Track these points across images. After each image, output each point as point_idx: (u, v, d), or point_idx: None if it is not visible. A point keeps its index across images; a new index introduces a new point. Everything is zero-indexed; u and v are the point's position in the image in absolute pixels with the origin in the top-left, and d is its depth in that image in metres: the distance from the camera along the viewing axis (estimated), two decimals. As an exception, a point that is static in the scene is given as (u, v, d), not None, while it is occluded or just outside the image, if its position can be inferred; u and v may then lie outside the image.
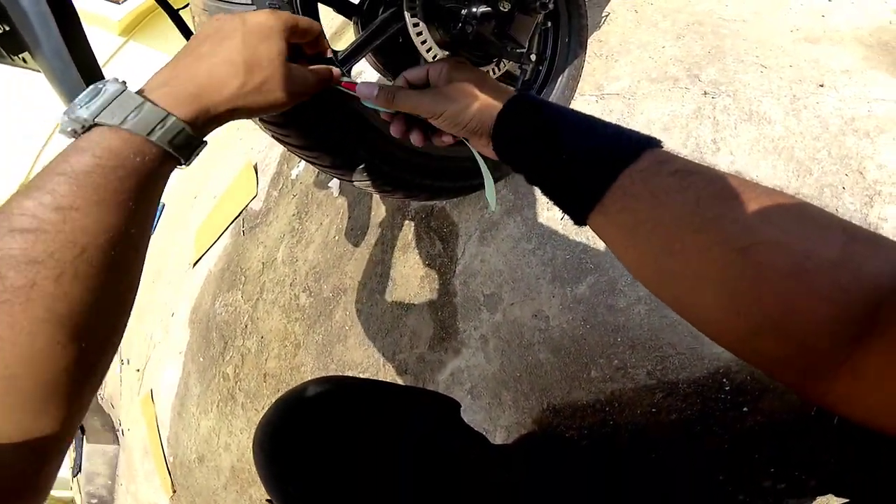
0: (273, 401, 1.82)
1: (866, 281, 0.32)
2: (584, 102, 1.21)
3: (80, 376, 0.36)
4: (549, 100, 1.06)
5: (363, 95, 0.57)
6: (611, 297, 0.97)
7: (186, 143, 0.42)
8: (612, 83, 1.21)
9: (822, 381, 0.34)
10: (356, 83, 0.58)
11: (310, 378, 1.58)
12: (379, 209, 1.57)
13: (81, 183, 0.35)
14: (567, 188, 0.44)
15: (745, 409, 0.81)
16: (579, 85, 1.14)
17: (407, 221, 1.46)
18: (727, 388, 0.82)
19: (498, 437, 1.07)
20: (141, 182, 0.39)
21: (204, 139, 0.44)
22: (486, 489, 0.60)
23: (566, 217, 0.45)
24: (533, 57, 0.96)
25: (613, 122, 1.16)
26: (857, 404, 0.33)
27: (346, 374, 1.46)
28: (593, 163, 0.41)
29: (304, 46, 0.55)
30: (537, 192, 1.20)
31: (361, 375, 1.44)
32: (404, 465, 0.57)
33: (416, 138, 0.59)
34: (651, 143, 0.42)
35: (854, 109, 0.97)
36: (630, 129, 0.43)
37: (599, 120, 0.46)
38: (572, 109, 0.50)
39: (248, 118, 0.49)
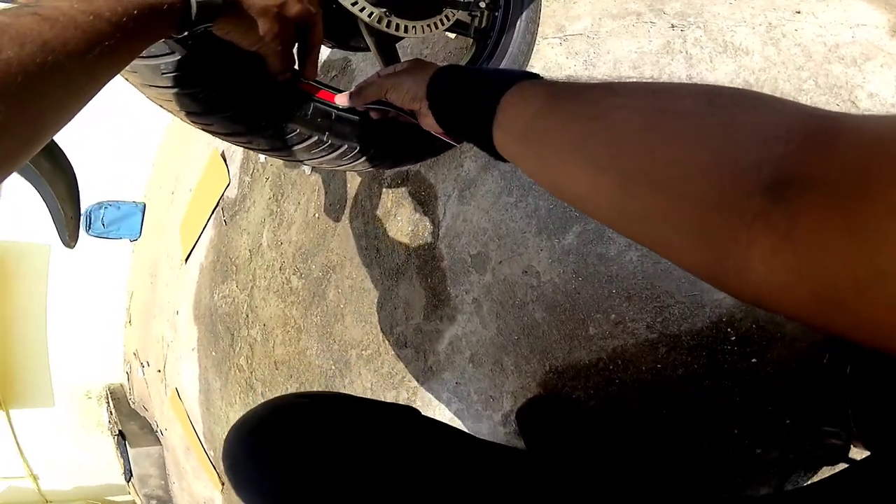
0: (288, 388, 1.80)
1: (746, 130, 0.28)
2: (548, 45, 1.10)
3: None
4: (511, 45, 0.98)
5: (343, 105, 0.71)
6: (600, 244, 0.90)
7: (206, 15, 0.47)
8: (573, 23, 1.11)
9: (731, 255, 0.26)
10: (321, 86, 0.69)
11: (317, 362, 1.57)
12: (354, 181, 1.49)
13: (126, 5, 0.38)
14: (474, 121, 0.50)
15: (753, 360, 0.75)
16: (541, 28, 1.06)
17: (384, 190, 1.39)
18: (732, 339, 0.76)
19: (505, 404, 1.04)
20: (153, 26, 0.43)
21: (209, 23, 0.49)
22: (470, 488, 0.57)
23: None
24: (482, 4, 0.88)
25: (580, 62, 1.07)
26: (786, 290, 0.24)
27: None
28: (487, 93, 0.49)
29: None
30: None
31: (364, 353, 1.41)
32: (369, 482, 0.54)
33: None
34: (532, 76, 0.49)
35: (837, 36, 0.87)
36: (519, 70, 0.52)
37: (497, 69, 0.57)
38: (482, 68, 0.62)
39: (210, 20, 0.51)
